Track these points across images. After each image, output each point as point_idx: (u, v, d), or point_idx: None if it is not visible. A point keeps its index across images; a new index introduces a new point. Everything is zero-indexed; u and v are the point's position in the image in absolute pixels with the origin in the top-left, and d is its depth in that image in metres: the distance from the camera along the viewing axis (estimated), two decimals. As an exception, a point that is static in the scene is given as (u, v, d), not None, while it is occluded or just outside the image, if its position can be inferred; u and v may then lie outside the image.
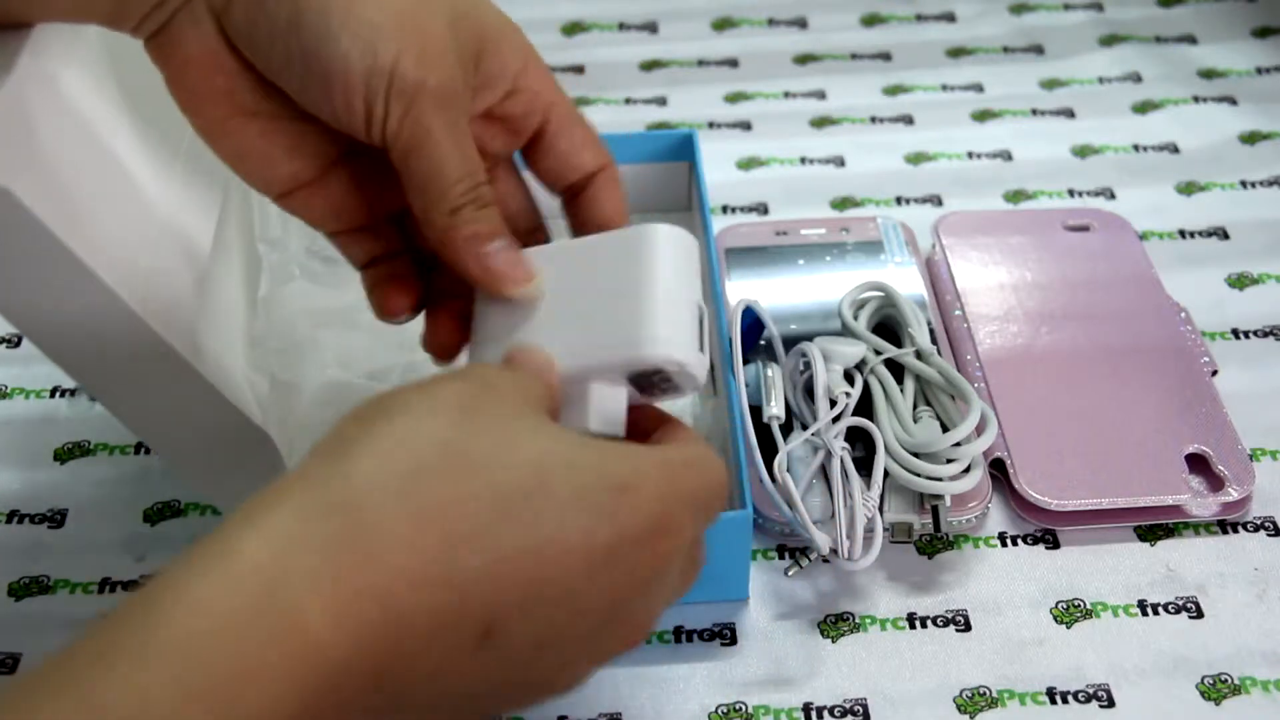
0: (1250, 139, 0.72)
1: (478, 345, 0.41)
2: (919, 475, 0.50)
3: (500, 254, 0.39)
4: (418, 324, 0.44)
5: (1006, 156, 0.72)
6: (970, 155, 0.72)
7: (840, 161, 0.72)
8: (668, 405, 0.43)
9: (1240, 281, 0.64)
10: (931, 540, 0.53)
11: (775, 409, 0.53)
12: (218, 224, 0.48)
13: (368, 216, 0.42)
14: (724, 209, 0.69)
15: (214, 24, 0.37)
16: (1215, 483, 0.53)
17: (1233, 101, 0.75)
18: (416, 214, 0.39)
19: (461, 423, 0.33)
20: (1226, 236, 0.66)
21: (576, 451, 0.33)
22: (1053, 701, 0.47)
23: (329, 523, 0.30)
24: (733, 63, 0.79)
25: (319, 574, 0.29)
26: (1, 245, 0.36)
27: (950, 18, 0.83)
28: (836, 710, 0.47)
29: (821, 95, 0.77)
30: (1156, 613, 0.50)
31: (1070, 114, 0.75)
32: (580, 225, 0.44)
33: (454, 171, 0.38)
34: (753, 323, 0.57)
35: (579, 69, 0.79)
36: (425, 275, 0.43)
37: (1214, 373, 0.57)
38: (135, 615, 0.28)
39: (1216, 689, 0.47)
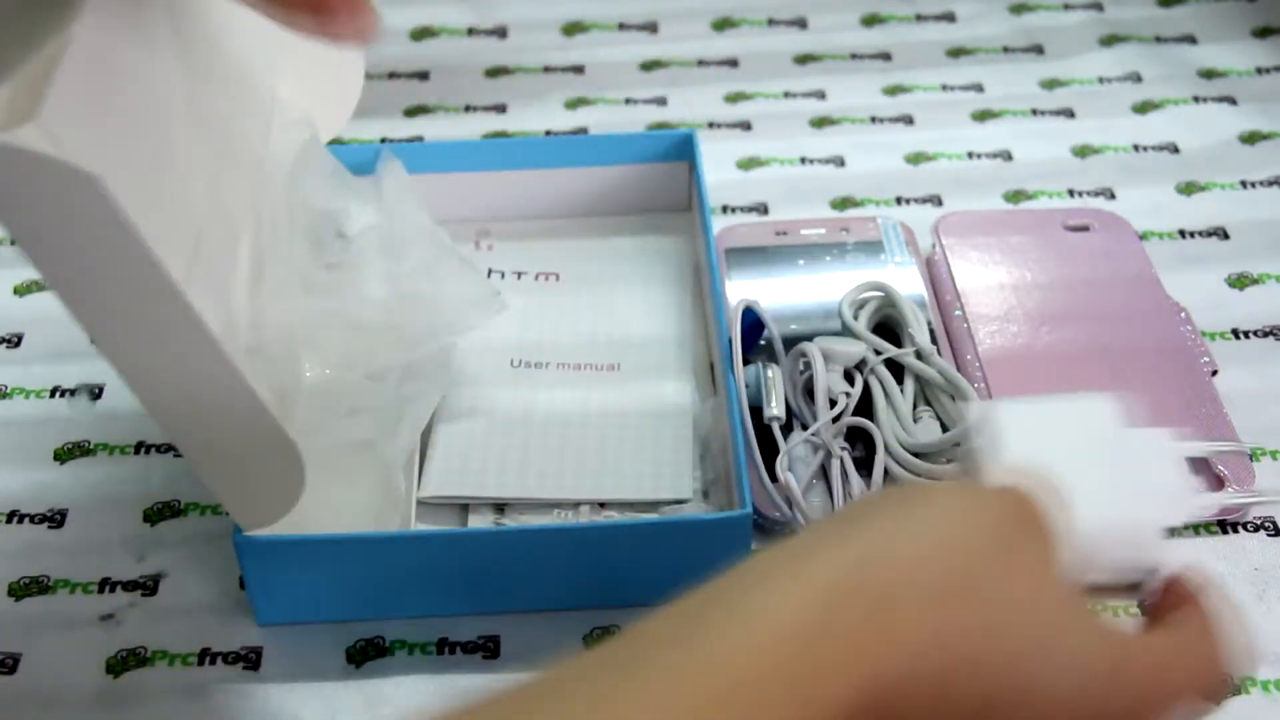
0: (1250, 139, 0.72)
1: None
2: (919, 475, 0.50)
3: None
4: (420, 323, 0.44)
5: (1006, 156, 0.72)
6: (970, 155, 0.72)
7: (840, 161, 0.72)
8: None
9: (1240, 281, 0.64)
10: (931, 540, 0.53)
11: (775, 409, 0.53)
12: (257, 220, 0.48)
13: None
14: (724, 209, 0.69)
15: None
16: (1215, 483, 0.53)
17: (1233, 101, 0.75)
18: None
19: (998, 557, 0.33)
20: (1226, 236, 0.66)
21: (1087, 617, 0.34)
22: (1053, 701, 0.47)
23: (849, 601, 0.30)
24: (733, 63, 0.79)
25: (842, 649, 0.30)
26: (74, 229, 0.35)
27: (950, 18, 0.83)
28: (836, 710, 0.47)
29: (821, 95, 0.77)
30: (1156, 613, 0.50)
31: (1070, 114, 0.75)
32: None
33: None
34: (753, 323, 0.57)
35: (579, 69, 0.79)
36: None
37: (1214, 373, 0.57)
38: (668, 636, 0.29)
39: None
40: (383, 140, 0.73)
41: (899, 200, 0.69)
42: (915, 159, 0.72)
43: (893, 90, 0.77)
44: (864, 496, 0.33)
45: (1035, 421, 0.39)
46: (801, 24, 0.82)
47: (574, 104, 0.76)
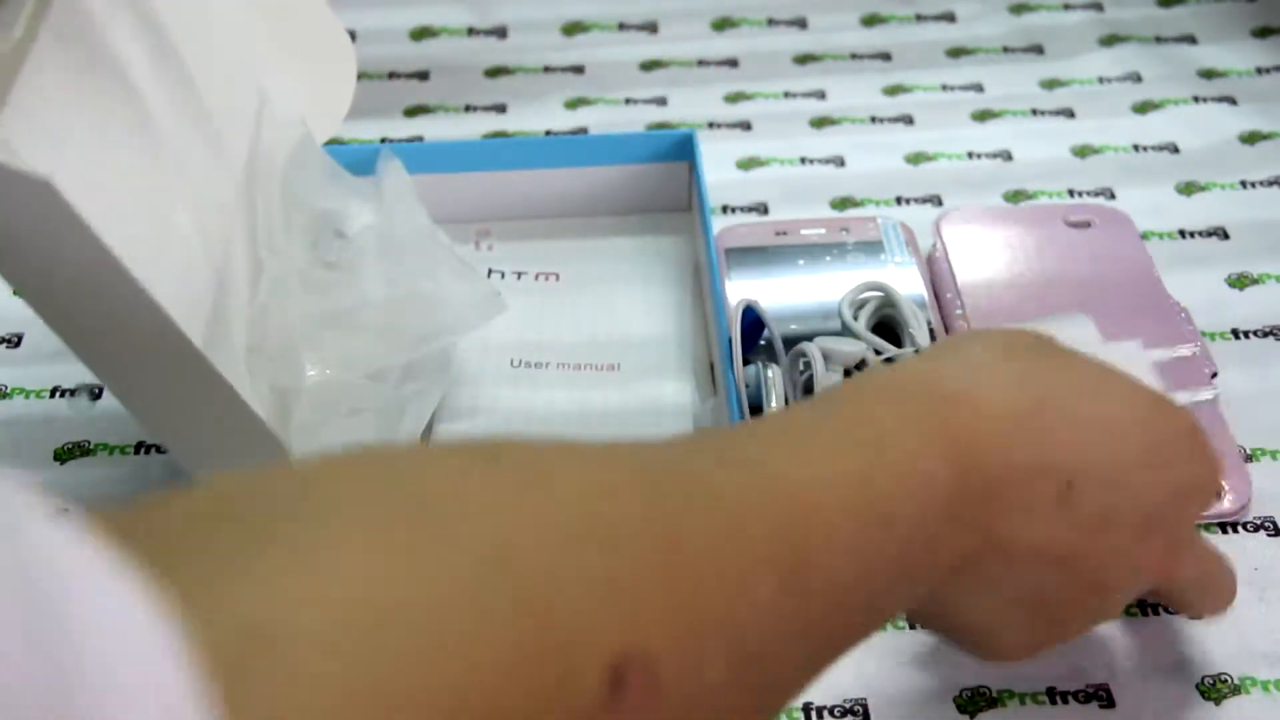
0: (1250, 139, 0.72)
1: None
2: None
3: None
4: (420, 324, 0.44)
5: (1006, 156, 0.72)
6: (970, 155, 0.72)
7: (840, 161, 0.72)
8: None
9: (1240, 281, 0.64)
10: (931, 540, 0.53)
11: (775, 409, 0.53)
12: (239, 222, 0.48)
13: None
14: (724, 209, 0.69)
15: None
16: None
17: (1233, 101, 0.75)
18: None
19: (1041, 353, 0.39)
20: (1226, 236, 0.66)
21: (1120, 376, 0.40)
22: (1053, 701, 0.47)
23: (934, 400, 0.35)
24: (733, 63, 0.79)
25: (929, 429, 0.34)
26: (37, 235, 0.36)
27: (950, 18, 0.83)
28: (836, 710, 0.47)
29: (821, 95, 0.77)
30: (1156, 612, 0.50)
31: (1070, 114, 0.75)
32: None
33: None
34: (753, 323, 0.57)
35: (579, 69, 0.79)
36: None
37: (1214, 374, 0.57)
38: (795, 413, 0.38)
39: (1216, 689, 0.47)
40: (383, 140, 0.73)
41: (899, 200, 0.69)
42: (915, 159, 0.72)
43: (893, 90, 0.77)
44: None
45: None
46: (801, 24, 0.82)
47: (574, 104, 0.76)
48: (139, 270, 0.38)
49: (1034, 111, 0.75)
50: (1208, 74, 0.77)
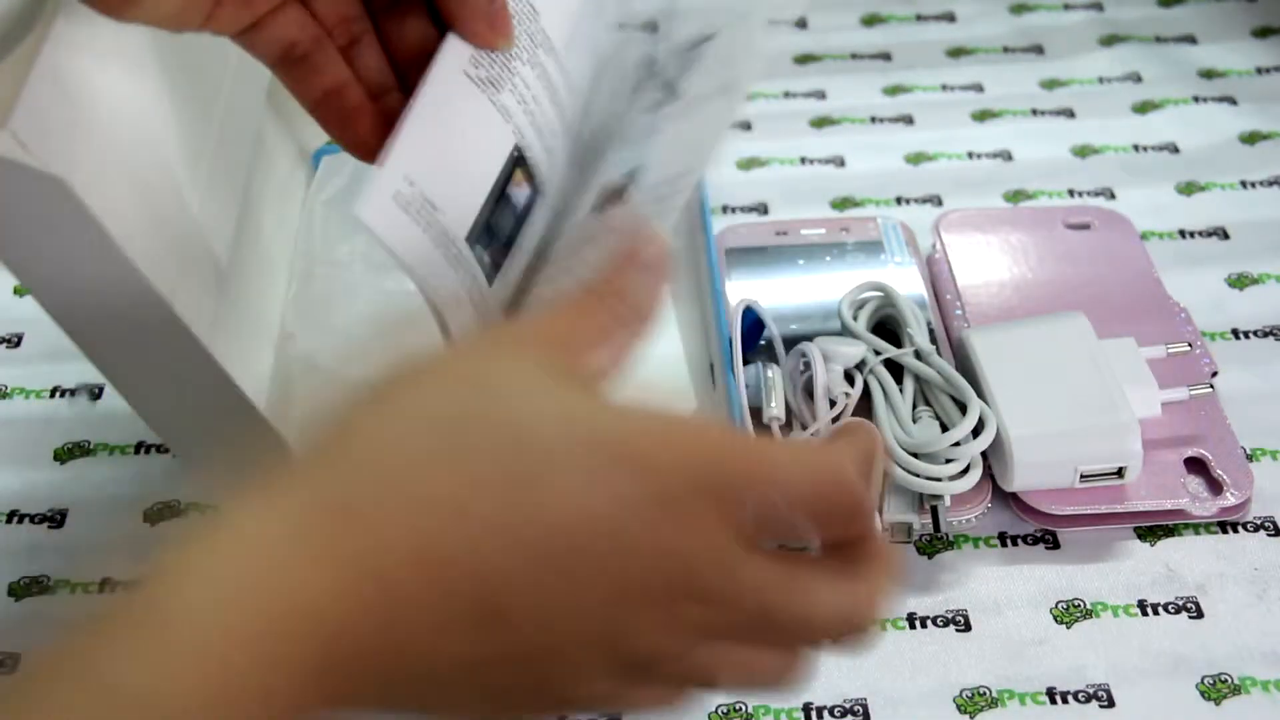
0: (1250, 139, 0.72)
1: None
2: (918, 475, 0.50)
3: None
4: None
5: (1006, 156, 0.72)
6: (970, 155, 0.72)
7: (840, 161, 0.72)
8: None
9: (1240, 281, 0.64)
10: (931, 540, 0.53)
11: (775, 410, 0.53)
12: (237, 222, 0.49)
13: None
14: (724, 209, 0.69)
15: None
16: (1214, 486, 0.53)
17: (1233, 101, 0.75)
18: None
19: (472, 396, 0.31)
20: (1226, 236, 0.66)
21: (596, 415, 0.31)
22: (1053, 701, 0.47)
23: (329, 516, 0.29)
24: (733, 63, 0.79)
25: (320, 557, 0.28)
26: (49, 232, 0.36)
27: (950, 18, 0.83)
28: (836, 710, 0.47)
29: (821, 95, 0.77)
30: (1156, 613, 0.50)
31: (1070, 114, 0.75)
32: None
33: None
34: (753, 323, 0.57)
35: (579, 69, 0.79)
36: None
37: (1214, 373, 0.57)
38: (138, 594, 0.27)
39: (1216, 689, 0.47)
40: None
41: (899, 200, 0.69)
42: (915, 159, 0.72)
43: (893, 90, 0.77)
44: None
45: (1016, 339, 0.50)
46: (801, 24, 0.82)
47: None
48: (149, 268, 0.38)
49: (1034, 111, 0.75)
50: (1208, 74, 0.77)
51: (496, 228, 0.38)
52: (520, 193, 0.39)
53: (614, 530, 0.29)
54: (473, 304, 0.37)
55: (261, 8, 0.38)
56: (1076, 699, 0.47)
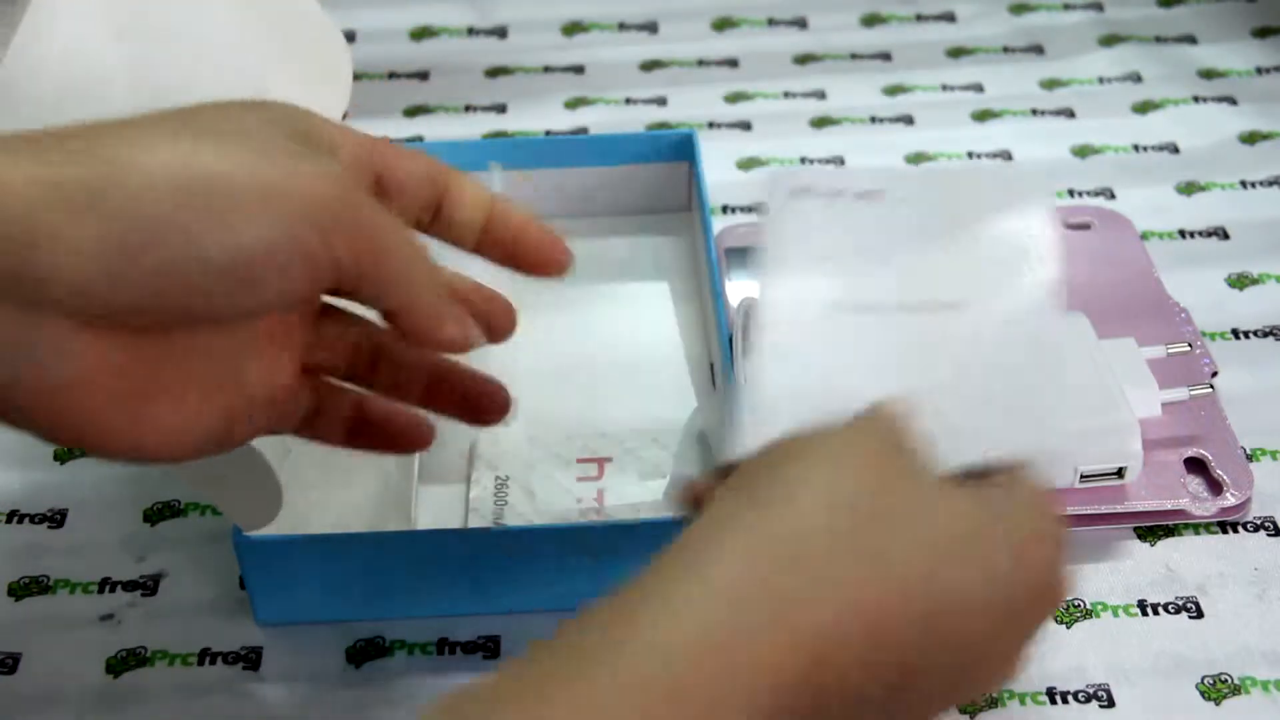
0: (1250, 139, 0.72)
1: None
2: (919, 475, 0.50)
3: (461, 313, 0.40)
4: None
5: (1006, 156, 0.72)
6: (970, 155, 0.72)
7: (840, 161, 0.72)
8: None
9: (1240, 281, 0.64)
10: (931, 540, 0.53)
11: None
12: None
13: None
14: (724, 209, 0.69)
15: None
16: (1214, 486, 0.53)
17: (1233, 101, 0.75)
18: (397, 308, 0.37)
19: (883, 480, 0.34)
20: (1226, 236, 0.66)
21: (977, 508, 0.34)
22: (1053, 701, 0.47)
23: (778, 564, 0.32)
24: (733, 63, 0.79)
25: (775, 609, 0.31)
26: None
27: (950, 18, 0.83)
28: (836, 710, 0.47)
29: (821, 95, 0.77)
30: (1156, 613, 0.50)
31: (1070, 114, 0.75)
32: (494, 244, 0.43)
33: (418, 252, 0.37)
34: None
35: (579, 69, 0.79)
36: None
37: (1214, 374, 0.57)
38: (602, 629, 0.32)
39: (1216, 689, 0.47)
40: (383, 140, 0.73)
41: (899, 200, 0.69)
42: (915, 159, 0.72)
43: (893, 90, 0.77)
44: (750, 459, 0.35)
45: None
46: (801, 24, 0.82)
47: (574, 104, 0.76)
48: None
49: (1034, 111, 0.75)
50: (1208, 74, 0.77)
51: None
52: None
53: (1009, 619, 0.34)
54: None
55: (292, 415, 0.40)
56: (1076, 699, 0.47)
